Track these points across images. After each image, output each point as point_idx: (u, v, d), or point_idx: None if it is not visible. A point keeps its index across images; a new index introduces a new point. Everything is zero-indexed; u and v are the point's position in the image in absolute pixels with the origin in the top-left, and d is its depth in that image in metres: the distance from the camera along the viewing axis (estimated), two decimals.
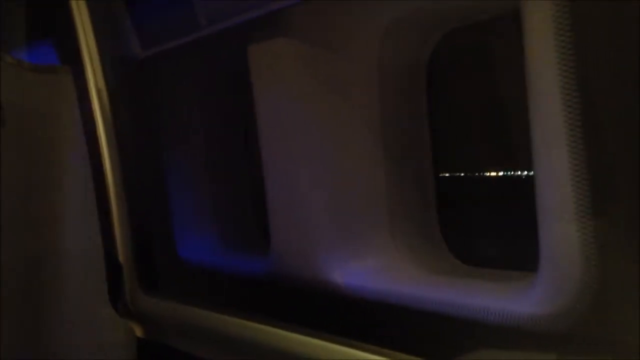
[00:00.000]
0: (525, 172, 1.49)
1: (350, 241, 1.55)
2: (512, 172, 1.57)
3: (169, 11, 1.86)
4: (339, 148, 1.58)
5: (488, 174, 1.65)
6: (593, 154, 0.93)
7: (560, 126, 0.92)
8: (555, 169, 0.95)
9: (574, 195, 0.92)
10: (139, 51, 1.99)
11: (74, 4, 1.97)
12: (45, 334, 2.00)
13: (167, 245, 2.04)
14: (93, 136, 2.00)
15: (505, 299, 1.13)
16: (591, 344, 1.00)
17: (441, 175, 1.64)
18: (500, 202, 1.60)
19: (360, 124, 1.58)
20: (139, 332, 2.06)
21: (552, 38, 0.94)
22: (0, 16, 2.13)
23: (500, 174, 1.61)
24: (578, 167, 0.92)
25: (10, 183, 1.82)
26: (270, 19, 1.56)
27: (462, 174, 1.72)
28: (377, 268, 1.51)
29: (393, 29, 1.47)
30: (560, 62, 0.93)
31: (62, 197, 1.98)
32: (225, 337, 1.79)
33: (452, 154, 1.68)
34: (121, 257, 2.04)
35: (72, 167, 1.99)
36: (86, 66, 2.00)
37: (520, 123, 1.10)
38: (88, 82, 1.99)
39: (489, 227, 1.61)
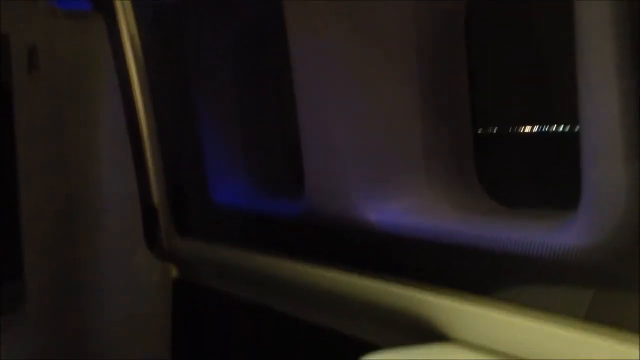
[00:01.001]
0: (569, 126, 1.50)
1: (385, 181, 1.57)
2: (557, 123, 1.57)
3: None
4: (373, 88, 1.58)
5: (526, 127, 1.65)
6: None
7: (609, 64, 0.93)
8: (603, 105, 0.96)
9: (622, 134, 0.94)
10: None
11: None
12: (81, 275, 2.06)
13: (200, 189, 2.07)
14: (126, 81, 2.02)
15: (546, 232, 1.15)
16: (629, 279, 1.03)
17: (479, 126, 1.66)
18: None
19: (395, 66, 1.58)
20: (173, 273, 2.13)
21: None
22: None
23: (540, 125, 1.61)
24: (627, 105, 0.93)
25: (44, 127, 1.86)
26: None
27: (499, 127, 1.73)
28: (412, 206, 1.53)
29: None
30: None
31: (96, 141, 2.02)
32: (258, 276, 1.84)
33: (493, 99, 1.69)
34: (156, 201, 2.08)
35: (105, 111, 2.02)
36: (118, 12, 2.00)
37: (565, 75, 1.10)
38: (120, 27, 2.00)
39: (526, 172, 1.63)
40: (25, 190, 1.77)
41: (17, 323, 1.81)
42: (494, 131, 1.72)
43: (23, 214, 1.79)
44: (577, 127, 1.08)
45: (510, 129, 1.69)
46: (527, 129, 1.64)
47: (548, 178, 1.52)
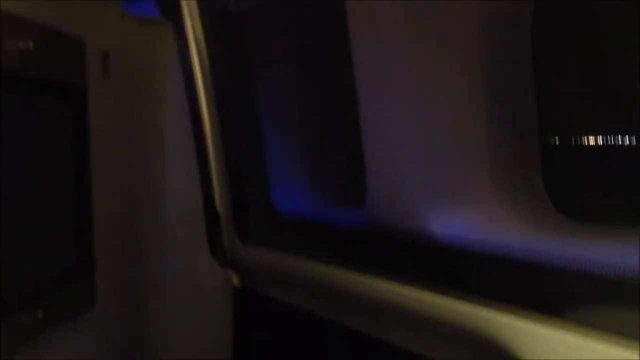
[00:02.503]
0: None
1: (450, 192, 1.52)
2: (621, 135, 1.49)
3: None
4: (438, 97, 1.54)
5: (593, 137, 1.57)
6: None
7: None
8: None
9: None
10: (235, 5, 2.01)
11: None
12: (144, 280, 2.09)
13: (263, 197, 2.07)
14: (191, 86, 2.05)
15: (623, 251, 1.08)
16: None
17: (546, 136, 1.59)
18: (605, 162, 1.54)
19: (460, 72, 1.53)
20: (235, 280, 2.13)
21: None
22: None
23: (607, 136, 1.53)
24: None
25: (113, 131, 1.90)
26: None
27: (567, 136, 1.65)
28: (478, 219, 1.47)
29: None
30: None
31: (161, 146, 2.05)
32: (320, 286, 1.81)
33: (559, 108, 1.62)
34: (219, 207, 2.09)
35: (171, 116, 2.05)
36: (185, 18, 2.03)
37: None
38: (187, 34, 2.03)
39: (593, 184, 1.55)
40: (95, 192, 1.80)
41: (84, 327, 1.84)
42: (562, 141, 1.64)
43: (93, 209, 1.82)
44: None
45: (579, 138, 1.61)
46: (596, 139, 1.56)
47: (618, 191, 1.44)
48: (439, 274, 1.50)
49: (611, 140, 1.51)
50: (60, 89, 1.65)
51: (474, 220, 1.49)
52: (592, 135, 1.56)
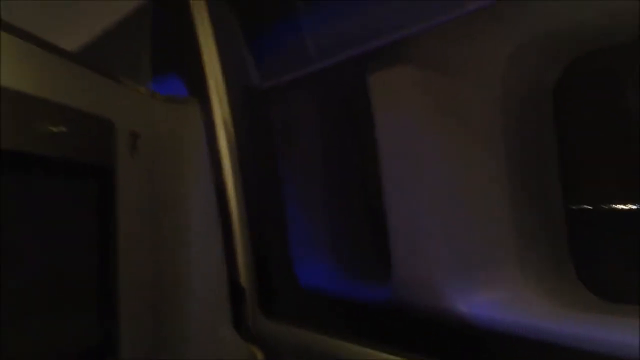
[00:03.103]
0: None
1: (475, 271, 1.51)
2: None
3: (287, 46, 1.92)
4: (461, 175, 1.55)
5: (621, 206, 1.56)
6: None
7: None
8: None
9: None
10: (260, 83, 2.06)
11: (202, 42, 2.07)
12: (167, 351, 2.07)
13: (287, 271, 2.07)
14: (217, 163, 2.08)
15: None
16: None
17: (571, 206, 1.57)
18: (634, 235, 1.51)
19: (483, 150, 1.55)
20: (259, 356, 2.10)
21: None
22: (137, 53, 2.28)
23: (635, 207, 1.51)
24: None
25: (139, 206, 1.93)
26: (388, 48, 1.57)
27: (593, 206, 1.63)
28: (505, 299, 1.45)
29: (520, 52, 1.44)
30: None
31: (187, 219, 2.07)
32: None
33: (583, 183, 1.61)
34: (243, 282, 2.09)
35: (197, 191, 2.08)
36: (212, 97, 2.09)
37: None
38: (214, 112, 2.08)
39: (622, 260, 1.52)
40: (121, 270, 1.82)
41: None
42: (588, 209, 1.62)
43: (119, 287, 1.83)
44: None
45: (606, 206, 1.59)
46: (624, 206, 1.54)
47: None
48: (465, 353, 1.48)
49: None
50: (90, 170, 1.69)
51: (501, 300, 1.47)
52: (620, 203, 1.55)
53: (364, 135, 1.78)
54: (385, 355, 1.63)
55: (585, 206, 1.61)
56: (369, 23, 1.58)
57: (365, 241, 2.04)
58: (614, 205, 1.56)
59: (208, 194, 2.06)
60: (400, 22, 1.49)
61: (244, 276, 2.09)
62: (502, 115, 1.54)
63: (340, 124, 2.03)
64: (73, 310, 1.64)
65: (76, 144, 1.60)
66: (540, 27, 1.37)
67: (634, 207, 1.52)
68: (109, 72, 1.81)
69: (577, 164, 1.59)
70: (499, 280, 1.48)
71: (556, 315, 1.35)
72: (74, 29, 2.48)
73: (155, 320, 2.02)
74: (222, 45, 2.06)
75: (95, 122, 1.70)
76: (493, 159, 1.55)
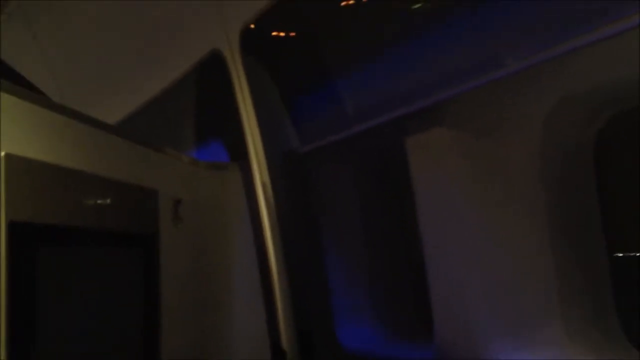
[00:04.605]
0: None
1: (519, 330, 1.49)
2: None
3: (325, 110, 1.97)
4: (501, 234, 1.55)
5: None
6: None
7: None
8: None
9: None
10: (299, 147, 2.11)
11: (242, 108, 2.14)
12: None
13: (328, 333, 2.07)
14: (258, 225, 2.12)
15: None
16: None
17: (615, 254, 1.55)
18: None
19: (522, 208, 1.54)
20: None
21: None
22: (180, 122, 2.37)
23: None
24: None
25: (182, 270, 1.96)
26: (426, 110, 1.60)
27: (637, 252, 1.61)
28: (549, 358, 1.43)
29: (559, 109, 1.45)
30: None
31: (229, 283, 2.10)
32: None
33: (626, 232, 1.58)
34: (285, 345, 2.09)
35: (239, 255, 2.11)
36: (252, 162, 2.14)
37: None
38: (254, 176, 2.13)
39: None
40: (166, 334, 1.84)
41: None
42: (632, 258, 1.59)
43: (163, 350, 1.85)
44: None
45: None
46: None
47: None
48: None
49: None
50: (135, 238, 1.74)
51: (545, 358, 1.45)
52: None
53: (402, 197, 1.79)
54: None
55: (629, 254, 1.59)
56: (406, 86, 1.62)
57: (406, 302, 2.03)
58: None
59: (250, 257, 2.09)
60: (437, 84, 1.53)
61: (285, 340, 2.09)
62: (541, 172, 1.54)
63: (378, 187, 2.06)
64: None
65: (121, 215, 1.65)
66: (578, 86, 1.38)
67: None
68: (153, 143, 1.88)
69: (619, 213, 1.58)
70: (543, 339, 1.46)
71: None
72: (119, 101, 2.59)
73: None
74: (261, 111, 2.12)
75: (140, 192, 1.75)
76: (534, 215, 1.54)
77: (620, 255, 1.59)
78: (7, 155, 1.25)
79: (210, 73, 2.25)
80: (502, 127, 1.53)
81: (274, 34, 2.10)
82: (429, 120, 1.59)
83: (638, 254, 1.59)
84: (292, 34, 2.08)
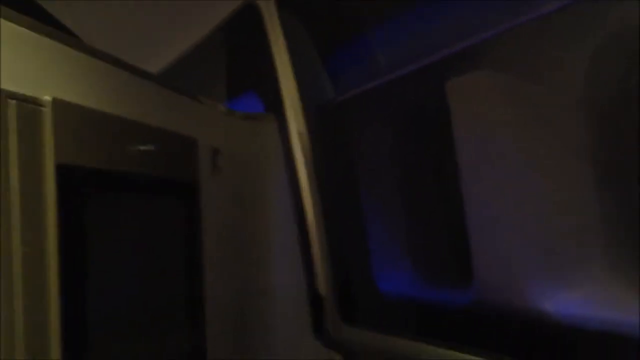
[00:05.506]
0: None
1: (562, 269, 1.50)
2: None
3: (360, 61, 1.96)
4: (544, 175, 1.54)
5: None
6: None
7: None
8: None
9: None
10: (334, 97, 2.11)
11: (277, 59, 2.14)
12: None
13: (366, 278, 2.10)
14: (294, 175, 2.14)
15: None
16: None
17: None
18: None
19: (566, 150, 1.53)
20: None
21: None
22: (215, 73, 2.38)
23: None
24: None
25: (222, 221, 2.00)
26: (465, 54, 1.59)
27: None
28: (593, 296, 1.44)
29: (604, 51, 1.43)
30: None
31: (267, 235, 2.14)
32: None
33: None
34: (322, 290, 2.13)
35: (276, 205, 2.15)
36: (288, 112, 2.15)
37: None
38: (289, 126, 2.15)
39: None
40: (207, 284, 1.88)
41: None
42: None
43: (206, 300, 1.89)
44: None
45: None
46: None
47: None
48: (550, 352, 1.47)
49: None
50: (176, 187, 1.77)
51: (588, 297, 1.46)
52: None
53: (439, 143, 1.79)
54: (466, 356, 1.63)
55: None
56: (444, 30, 1.60)
57: (444, 245, 2.04)
58: None
59: (286, 207, 2.12)
60: (476, 27, 1.51)
61: (322, 285, 2.13)
62: (584, 115, 1.53)
63: (415, 135, 2.05)
64: (167, 324, 1.71)
65: (163, 162, 1.68)
66: (622, 25, 1.36)
67: None
68: (190, 93, 1.90)
69: None
70: (587, 278, 1.47)
71: None
72: (156, 53, 2.61)
73: (239, 330, 2.08)
74: (296, 62, 2.12)
75: (180, 140, 1.78)
76: (577, 158, 1.54)
77: None
78: (54, 100, 1.27)
79: (244, 25, 2.25)
80: (544, 70, 1.51)
81: None
82: (469, 63, 1.57)
83: None
84: None
